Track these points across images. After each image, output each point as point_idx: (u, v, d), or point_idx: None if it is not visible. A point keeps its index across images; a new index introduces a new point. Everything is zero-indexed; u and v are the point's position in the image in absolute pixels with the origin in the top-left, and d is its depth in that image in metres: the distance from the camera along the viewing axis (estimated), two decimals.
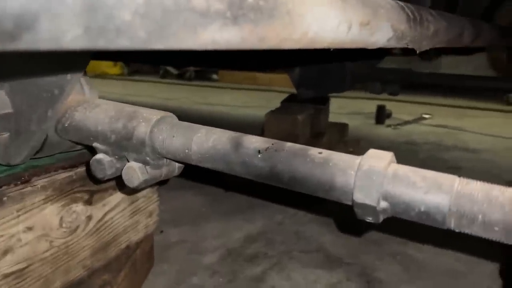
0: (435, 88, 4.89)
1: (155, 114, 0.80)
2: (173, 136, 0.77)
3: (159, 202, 1.45)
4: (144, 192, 1.32)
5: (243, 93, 5.98)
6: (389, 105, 4.25)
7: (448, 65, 5.39)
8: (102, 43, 0.34)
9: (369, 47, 0.77)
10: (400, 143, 3.36)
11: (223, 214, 1.95)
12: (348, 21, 0.63)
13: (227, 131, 0.78)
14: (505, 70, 4.34)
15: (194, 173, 2.36)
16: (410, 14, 0.84)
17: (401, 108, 4.61)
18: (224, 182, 2.26)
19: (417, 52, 0.95)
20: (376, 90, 2.41)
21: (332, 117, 2.89)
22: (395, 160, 0.66)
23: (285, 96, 2.75)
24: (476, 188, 0.57)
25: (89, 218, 1.11)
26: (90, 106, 0.86)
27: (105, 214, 1.16)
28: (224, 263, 1.55)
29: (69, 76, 0.82)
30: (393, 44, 0.82)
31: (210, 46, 0.43)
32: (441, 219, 0.58)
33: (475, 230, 0.57)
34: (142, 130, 0.78)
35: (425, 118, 4.27)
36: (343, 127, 2.91)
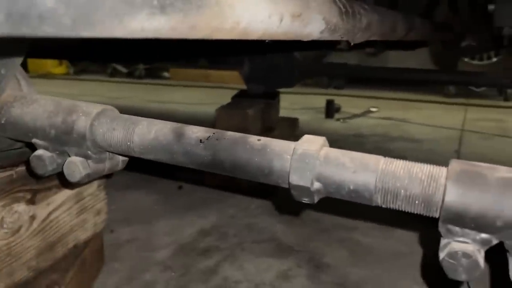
0: (380, 81, 5.06)
1: (95, 108, 0.80)
2: (114, 129, 0.78)
3: (110, 201, 1.44)
4: (91, 190, 1.31)
5: (195, 90, 5.96)
6: (338, 100, 4.38)
7: (395, 61, 5.60)
8: (26, 30, 0.35)
9: (303, 39, 0.81)
10: (349, 135, 3.47)
11: (176, 211, 1.96)
12: (279, 13, 0.66)
13: (168, 122, 0.80)
14: (443, 64, 4.57)
15: (147, 172, 2.36)
16: (342, 7, 0.88)
17: (350, 103, 4.75)
18: (177, 179, 2.27)
19: (351, 44, 0.99)
20: (323, 84, 2.48)
21: (284, 113, 2.94)
22: (327, 144, 0.70)
23: None
24: (399, 166, 0.62)
25: (33, 218, 1.09)
26: (28, 101, 0.85)
27: (50, 214, 1.14)
28: (176, 258, 1.56)
29: (2, 70, 0.80)
30: (326, 36, 0.86)
31: (138, 35, 0.44)
32: (369, 196, 0.62)
33: (399, 205, 0.61)
34: (82, 124, 0.78)
35: (372, 112, 4.42)
36: (293, 121, 2.97)
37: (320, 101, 4.54)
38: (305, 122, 3.71)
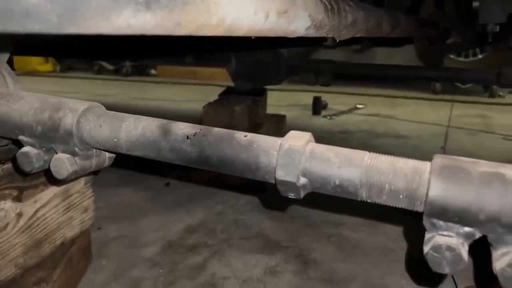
0: (367, 78, 5.10)
1: (82, 104, 0.80)
2: (101, 126, 0.78)
3: (98, 199, 1.44)
4: (78, 188, 1.31)
5: (182, 87, 5.94)
6: (325, 97, 4.39)
7: (381, 58, 5.64)
8: (13, 27, 0.35)
9: (289, 36, 0.81)
10: (335, 132, 3.50)
11: (163, 208, 1.95)
12: (265, 10, 0.67)
13: (155, 118, 0.80)
14: (429, 61, 4.61)
15: (134, 169, 2.35)
16: (327, 4, 0.89)
17: (337, 99, 4.77)
18: (165, 176, 2.26)
19: (337, 41, 1.00)
20: (310, 81, 2.50)
21: (271, 110, 2.95)
22: (313, 140, 0.71)
23: None
24: (383, 161, 0.63)
25: (20, 215, 1.08)
26: (14, 98, 0.84)
27: (37, 211, 1.14)
28: (164, 255, 1.56)
29: None
30: (312, 33, 0.87)
31: (124, 31, 0.44)
32: (354, 191, 0.63)
33: (384, 199, 0.62)
34: (68, 120, 0.78)
35: (359, 108, 4.45)
36: (281, 118, 2.98)
37: (307, 98, 4.56)
38: (292, 119, 3.72)
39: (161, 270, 1.46)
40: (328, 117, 4.04)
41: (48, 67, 7.47)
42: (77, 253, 1.31)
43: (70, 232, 1.29)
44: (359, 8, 1.08)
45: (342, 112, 4.25)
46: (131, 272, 1.44)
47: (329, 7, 0.89)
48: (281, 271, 1.47)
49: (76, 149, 0.80)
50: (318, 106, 4.18)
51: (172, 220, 1.83)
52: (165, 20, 0.48)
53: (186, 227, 1.77)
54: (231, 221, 1.84)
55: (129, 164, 2.34)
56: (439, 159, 0.60)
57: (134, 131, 0.77)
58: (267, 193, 2.07)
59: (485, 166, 0.57)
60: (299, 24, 0.79)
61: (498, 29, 1.73)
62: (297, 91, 5.15)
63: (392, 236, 1.72)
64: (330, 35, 0.95)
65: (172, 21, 0.49)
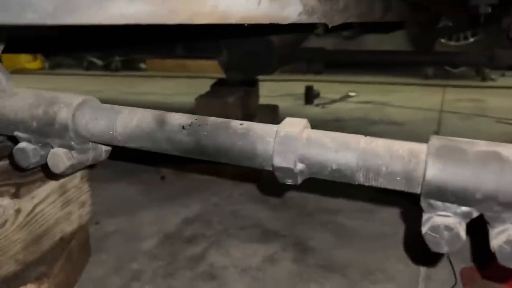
0: (359, 66, 5.10)
1: (76, 98, 0.80)
2: (96, 119, 0.78)
3: (94, 194, 1.43)
4: (74, 183, 1.30)
5: (173, 81, 5.91)
6: (318, 86, 4.40)
7: (372, 44, 5.63)
8: (7, 18, 0.35)
9: (281, 22, 0.81)
10: (328, 120, 3.50)
11: (160, 202, 1.95)
12: None
13: (150, 110, 0.80)
14: (420, 46, 4.62)
15: (130, 164, 2.35)
16: None
17: (329, 88, 4.77)
18: (160, 170, 2.26)
19: (329, 26, 1.00)
20: (302, 70, 2.49)
21: (264, 100, 2.94)
22: (309, 126, 0.71)
23: None
24: (379, 144, 0.63)
25: (18, 211, 1.08)
26: (8, 94, 0.84)
27: (35, 207, 1.13)
28: (163, 247, 1.56)
29: None
30: (304, 19, 0.87)
31: (118, 20, 0.44)
32: (351, 175, 0.63)
33: (381, 182, 0.63)
34: (63, 115, 0.78)
35: (351, 96, 4.46)
36: (273, 108, 2.98)
37: (299, 88, 4.56)
38: (285, 109, 3.72)
39: (160, 262, 1.46)
40: (321, 106, 4.05)
41: (36, 64, 7.40)
42: (76, 247, 1.31)
43: (68, 227, 1.29)
44: None
45: (335, 101, 4.25)
46: (131, 265, 1.44)
47: None
48: (279, 259, 1.48)
49: (73, 143, 0.80)
50: (310, 95, 4.18)
51: (169, 213, 1.83)
52: (158, 8, 0.48)
53: (183, 219, 1.78)
54: (227, 212, 1.84)
55: (123, 159, 2.33)
56: (435, 140, 0.61)
57: (130, 123, 0.77)
58: (263, 184, 2.07)
59: (481, 146, 0.58)
60: (291, 10, 0.79)
61: (490, 10, 1.73)
62: (289, 81, 5.14)
63: (388, 222, 1.74)
64: (322, 21, 0.95)
65: (166, 9, 0.49)
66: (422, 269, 1.41)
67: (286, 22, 0.81)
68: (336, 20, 1.01)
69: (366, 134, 0.68)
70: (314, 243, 1.59)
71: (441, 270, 1.40)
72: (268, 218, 1.78)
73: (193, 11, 0.54)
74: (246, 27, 0.75)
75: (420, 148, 0.61)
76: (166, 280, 1.37)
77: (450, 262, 1.41)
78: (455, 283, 1.33)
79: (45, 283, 1.08)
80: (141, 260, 1.48)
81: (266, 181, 2.08)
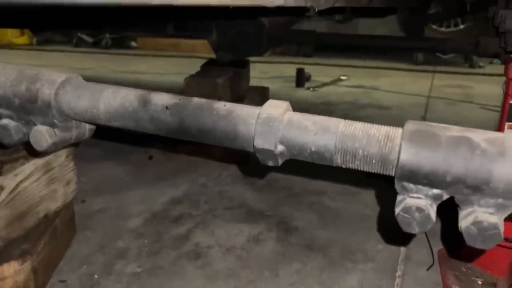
0: (350, 49, 5.09)
1: (59, 76, 0.79)
2: (79, 97, 0.78)
3: (81, 173, 1.44)
4: (59, 161, 1.31)
5: (164, 60, 5.85)
6: (309, 69, 4.39)
7: (365, 29, 5.61)
8: None
9: (268, 5, 0.81)
10: (318, 103, 3.51)
11: (147, 182, 1.96)
12: None
13: (134, 89, 0.80)
14: (411, 31, 4.62)
15: (118, 143, 2.35)
16: None
17: (320, 71, 4.77)
18: (148, 150, 2.26)
19: (316, 10, 1.01)
20: (292, 52, 2.49)
21: (255, 82, 2.94)
22: (291, 109, 0.72)
23: None
24: (357, 128, 0.64)
25: (1, 188, 1.08)
26: None
27: (18, 184, 1.14)
28: (149, 226, 1.58)
29: None
30: (292, 2, 0.87)
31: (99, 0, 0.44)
32: (329, 157, 0.65)
33: (357, 164, 0.64)
34: (46, 92, 0.78)
35: (342, 80, 4.46)
36: (264, 90, 2.98)
37: (290, 70, 4.54)
38: (276, 91, 3.73)
39: (146, 241, 1.48)
40: (312, 89, 4.05)
41: (24, 39, 7.25)
42: (60, 225, 1.32)
43: (53, 205, 1.29)
44: None
45: (326, 84, 4.25)
46: (116, 243, 1.46)
47: None
48: (263, 239, 1.51)
49: (55, 120, 0.80)
50: (301, 78, 4.17)
51: (156, 193, 1.85)
52: None
53: (170, 199, 1.79)
54: (214, 193, 1.86)
55: (112, 139, 2.33)
56: (410, 125, 0.62)
57: (113, 101, 0.77)
58: (251, 166, 2.09)
59: (453, 131, 0.59)
60: None
61: None
62: (280, 63, 5.12)
63: (371, 204, 1.77)
64: (308, 5, 0.95)
65: None
66: (402, 250, 1.45)
67: (273, 6, 0.81)
68: (323, 4, 1.01)
69: (354, 118, 0.69)
70: (298, 223, 1.62)
71: (420, 251, 1.44)
72: (254, 199, 1.80)
73: None
74: (237, 9, 0.75)
75: (396, 132, 0.63)
76: (151, 258, 1.39)
77: (429, 243, 1.44)
78: (433, 264, 1.36)
79: (29, 260, 1.09)
80: (126, 239, 1.49)
81: (254, 163, 2.09)
